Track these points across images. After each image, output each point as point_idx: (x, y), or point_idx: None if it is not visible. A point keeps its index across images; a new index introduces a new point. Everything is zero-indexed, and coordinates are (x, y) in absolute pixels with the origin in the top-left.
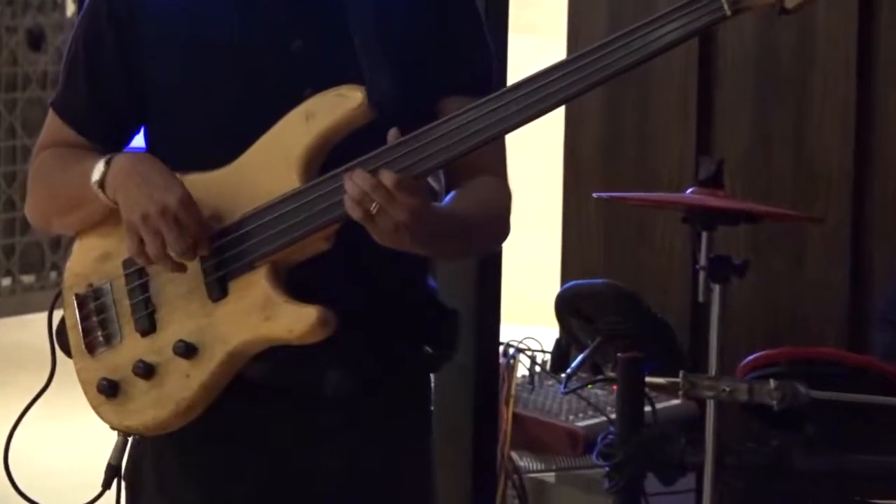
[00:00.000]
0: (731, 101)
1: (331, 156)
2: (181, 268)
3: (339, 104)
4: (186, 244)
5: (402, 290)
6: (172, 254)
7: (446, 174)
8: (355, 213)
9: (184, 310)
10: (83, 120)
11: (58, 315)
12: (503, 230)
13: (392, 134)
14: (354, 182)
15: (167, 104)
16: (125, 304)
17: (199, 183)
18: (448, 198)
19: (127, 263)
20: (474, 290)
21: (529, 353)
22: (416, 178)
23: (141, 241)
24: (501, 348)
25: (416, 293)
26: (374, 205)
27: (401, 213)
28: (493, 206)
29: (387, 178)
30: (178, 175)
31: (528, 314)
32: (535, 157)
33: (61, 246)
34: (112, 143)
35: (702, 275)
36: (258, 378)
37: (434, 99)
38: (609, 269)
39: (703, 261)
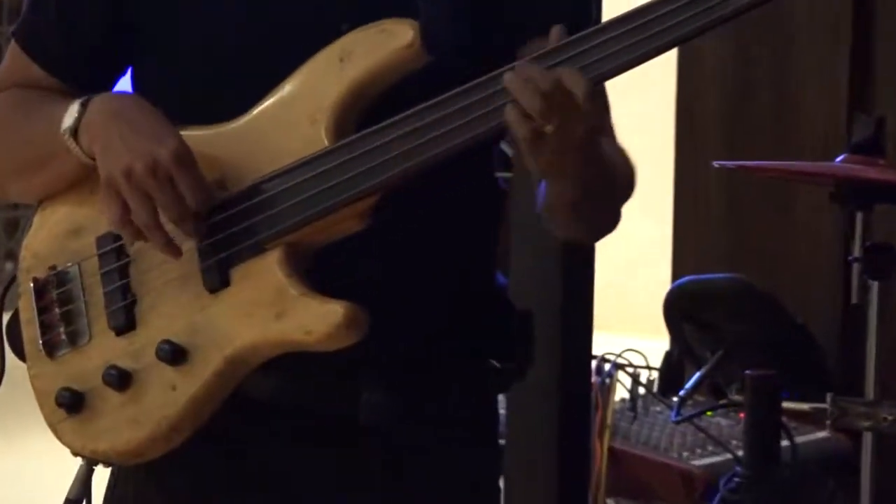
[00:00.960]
0: (894, 45)
1: (371, 113)
2: (174, 249)
3: (382, 43)
4: (183, 208)
5: (460, 284)
6: (168, 220)
7: None
8: (521, 129)
9: (172, 302)
10: (54, 55)
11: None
12: (619, 211)
13: (556, 31)
14: (529, 76)
15: (163, 38)
16: (97, 293)
17: (201, 139)
18: None
19: (102, 241)
20: (558, 288)
21: (631, 369)
22: (599, 82)
23: (124, 207)
24: (594, 364)
25: (478, 289)
26: (553, 119)
27: (580, 129)
28: (626, 171)
29: (573, 78)
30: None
31: (630, 320)
32: (638, 117)
33: (20, 228)
34: (90, 85)
35: (855, 268)
36: (266, 396)
37: (511, 42)
38: (734, 260)
39: (857, 250)
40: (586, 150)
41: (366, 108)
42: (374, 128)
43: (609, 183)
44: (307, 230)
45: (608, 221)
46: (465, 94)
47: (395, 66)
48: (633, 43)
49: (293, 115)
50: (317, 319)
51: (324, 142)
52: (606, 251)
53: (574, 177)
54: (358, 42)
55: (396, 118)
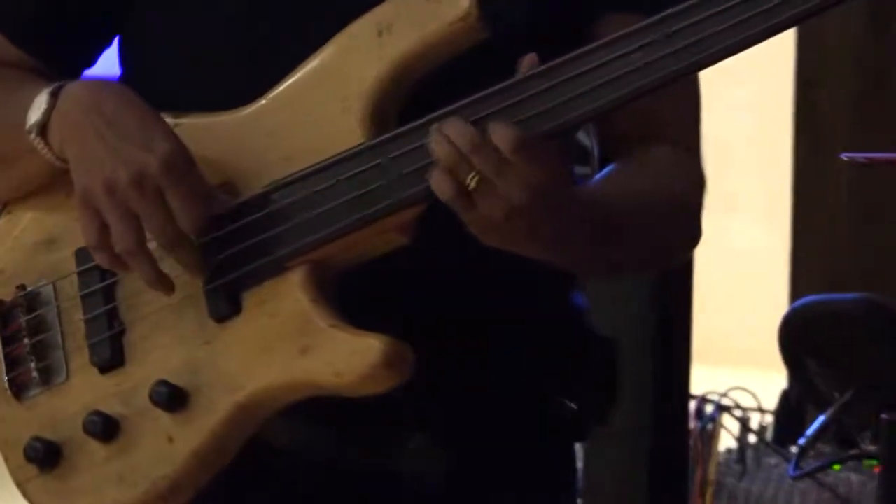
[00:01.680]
0: None
1: (417, 101)
2: (165, 283)
3: (431, 13)
4: (176, 231)
5: (526, 306)
6: (158, 245)
7: (602, 138)
8: (442, 188)
9: (169, 333)
10: (22, 24)
11: None
12: (690, 235)
13: (528, 61)
14: (445, 136)
15: (160, 4)
16: (76, 319)
17: (203, 131)
18: (601, 175)
19: (82, 254)
20: (648, 311)
21: (738, 412)
22: (547, 138)
23: (103, 228)
24: (693, 405)
25: (549, 312)
26: (472, 175)
27: (517, 190)
28: (676, 194)
29: (499, 132)
30: (168, 118)
31: (738, 351)
32: (748, 103)
33: None
34: (67, 63)
35: None
36: (287, 444)
37: (586, 16)
38: (868, 276)
39: None
40: (545, 215)
41: (409, 94)
42: (422, 120)
43: (631, 231)
44: (338, 246)
45: (645, 263)
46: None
47: (445, 42)
48: (600, 84)
49: (320, 103)
50: (349, 357)
51: (358, 136)
52: (709, 265)
53: (545, 246)
54: (401, 11)
55: (448, 108)
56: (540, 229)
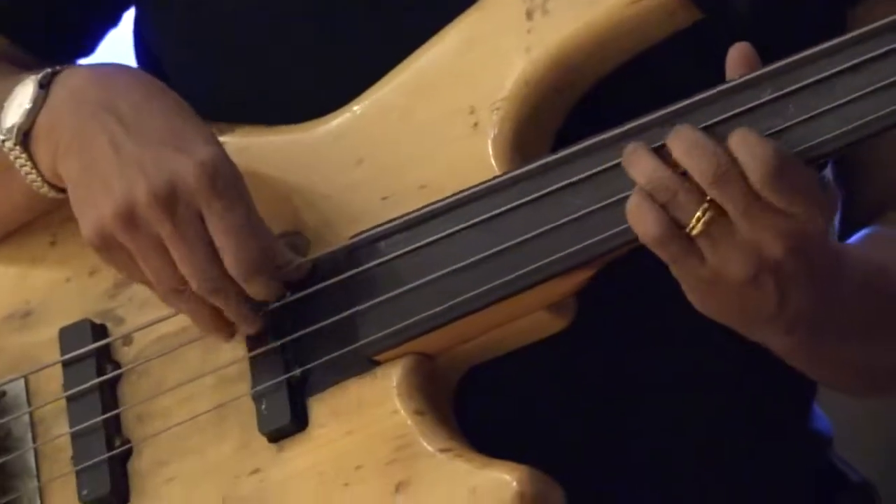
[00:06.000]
0: None
1: (584, 118)
2: (220, 325)
3: None
4: (218, 272)
5: (742, 423)
6: (194, 290)
7: (854, 181)
8: (649, 227)
9: (197, 458)
10: (7, 4)
11: None
12: None
13: (739, 52)
14: (675, 143)
15: None
16: (58, 434)
17: (262, 153)
18: (862, 235)
19: (71, 334)
20: None
21: None
22: (810, 161)
23: (132, 265)
24: None
25: (777, 434)
26: (702, 212)
27: (771, 235)
28: None
29: (751, 147)
30: (213, 128)
31: None
32: None
33: None
34: (62, 50)
35: None
36: None
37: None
38: None
39: None
40: (801, 272)
41: (570, 106)
42: (589, 142)
43: None
44: (459, 331)
45: None
46: None
47: (630, 28)
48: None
49: (435, 116)
50: (469, 499)
51: (492, 165)
52: None
53: (800, 329)
54: None
55: (628, 126)
56: (792, 298)
